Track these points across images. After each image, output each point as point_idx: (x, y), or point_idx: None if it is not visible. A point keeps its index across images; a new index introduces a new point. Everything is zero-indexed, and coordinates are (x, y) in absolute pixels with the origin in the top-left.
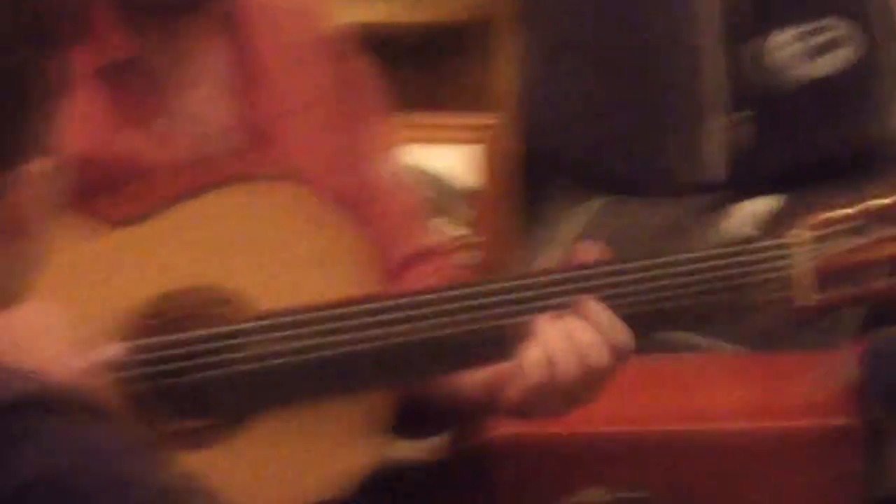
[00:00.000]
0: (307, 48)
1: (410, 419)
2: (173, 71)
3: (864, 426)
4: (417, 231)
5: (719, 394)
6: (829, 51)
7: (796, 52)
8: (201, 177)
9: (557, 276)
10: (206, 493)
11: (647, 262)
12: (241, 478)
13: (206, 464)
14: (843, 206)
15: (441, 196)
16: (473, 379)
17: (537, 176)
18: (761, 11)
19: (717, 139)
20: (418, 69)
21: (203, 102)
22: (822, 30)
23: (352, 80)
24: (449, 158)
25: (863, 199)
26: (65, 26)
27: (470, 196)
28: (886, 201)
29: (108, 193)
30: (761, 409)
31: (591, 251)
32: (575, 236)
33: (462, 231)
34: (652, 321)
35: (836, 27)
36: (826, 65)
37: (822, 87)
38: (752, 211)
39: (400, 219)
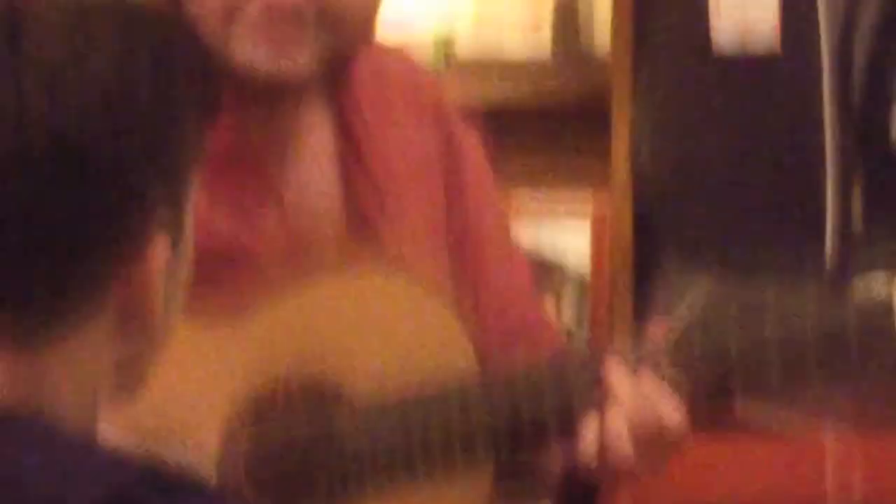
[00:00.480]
0: (408, 119)
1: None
2: (276, 155)
3: None
4: (527, 304)
5: (831, 476)
6: None
7: None
8: (303, 267)
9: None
10: None
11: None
12: None
13: None
14: None
15: (552, 275)
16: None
17: (649, 257)
18: (880, 84)
19: (837, 223)
20: (536, 148)
21: (309, 183)
22: None
23: (455, 149)
24: (563, 237)
25: None
26: (219, 98)
27: (580, 276)
28: None
29: (214, 282)
30: (876, 492)
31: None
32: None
33: (571, 313)
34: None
35: None
36: None
37: None
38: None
39: (510, 289)
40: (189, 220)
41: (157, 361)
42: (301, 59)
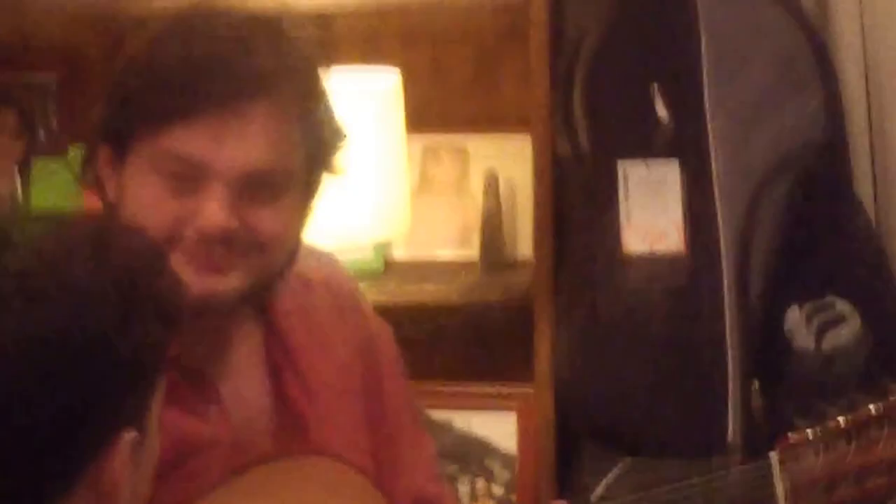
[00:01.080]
0: (331, 323)
1: None
2: (215, 364)
3: None
4: (435, 479)
5: None
6: (833, 329)
7: (806, 330)
8: (245, 457)
9: None
10: None
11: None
12: None
13: None
14: (807, 429)
15: (483, 458)
16: None
17: (569, 442)
18: (776, 290)
19: (737, 407)
20: (465, 345)
21: (244, 387)
22: (827, 306)
23: (372, 346)
24: (490, 424)
25: (823, 421)
26: (182, 317)
27: (508, 459)
28: (842, 422)
29: (170, 473)
30: None
31: None
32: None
33: (500, 491)
34: None
35: (838, 305)
36: (829, 343)
37: (824, 363)
38: None
39: (420, 468)
40: (153, 418)
41: None
42: (232, 281)
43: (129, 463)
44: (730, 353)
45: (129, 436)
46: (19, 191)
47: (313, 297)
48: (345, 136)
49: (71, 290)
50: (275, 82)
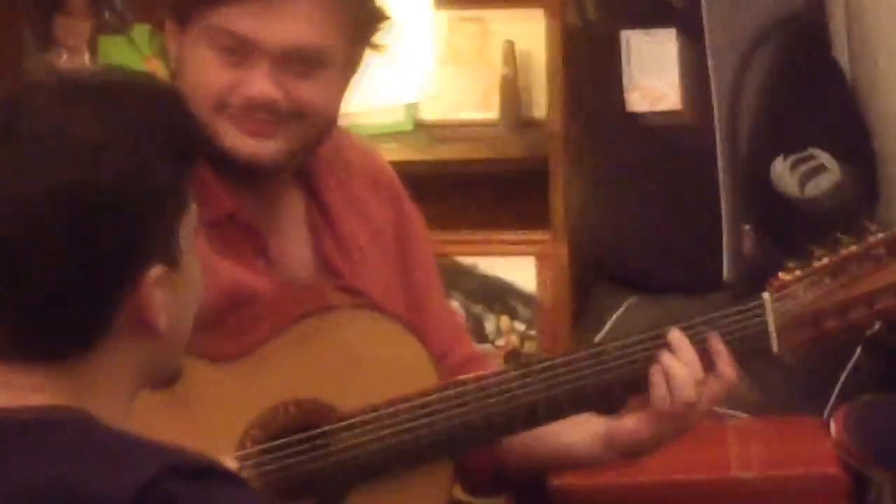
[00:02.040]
0: (367, 195)
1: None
2: (263, 220)
3: (848, 474)
4: (465, 343)
5: (734, 450)
6: (815, 177)
7: (790, 178)
8: (294, 308)
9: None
10: None
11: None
12: None
13: None
14: (795, 269)
15: (506, 298)
16: (588, 438)
17: (584, 281)
18: (763, 144)
19: (731, 249)
20: (487, 196)
21: (288, 243)
22: (810, 158)
23: (404, 221)
24: (512, 268)
25: (810, 261)
26: (198, 152)
27: (529, 298)
28: (826, 261)
29: (221, 326)
30: (768, 461)
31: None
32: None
33: (522, 327)
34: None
35: (819, 156)
36: (812, 189)
37: (807, 204)
38: None
39: (451, 333)
40: (187, 255)
41: (179, 363)
42: (274, 146)
43: (161, 295)
44: (723, 198)
45: (156, 270)
46: (88, 65)
47: (351, 170)
48: (386, 17)
49: (79, 140)
50: None
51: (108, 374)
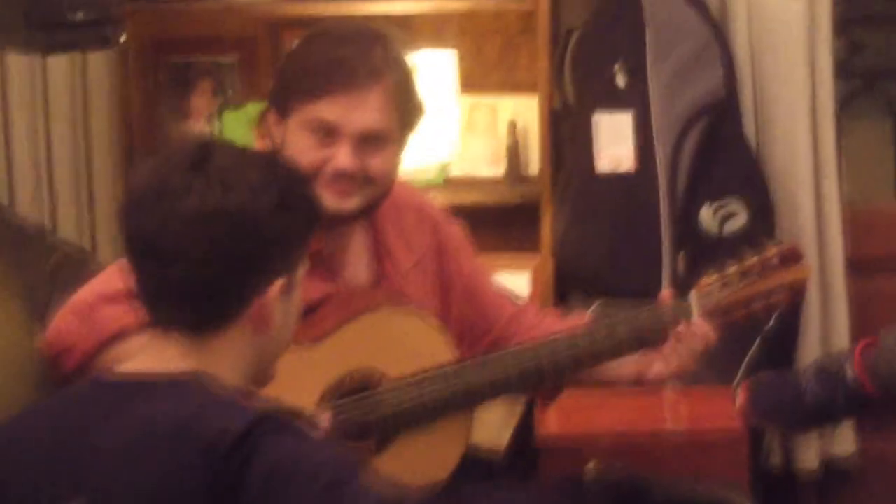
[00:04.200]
0: (415, 226)
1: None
2: (338, 253)
3: (748, 430)
4: (510, 303)
5: (668, 410)
6: (730, 219)
7: (714, 219)
8: (358, 305)
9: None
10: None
11: (617, 319)
12: (396, 471)
13: (377, 465)
14: (713, 275)
15: None
16: (626, 370)
17: (564, 290)
18: (693, 195)
19: (670, 269)
20: (497, 228)
21: (356, 269)
22: (726, 205)
23: (442, 240)
24: (513, 280)
25: (724, 270)
26: (318, 216)
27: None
28: (734, 269)
29: (308, 319)
30: (691, 419)
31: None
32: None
33: None
34: (616, 356)
35: (733, 204)
36: (728, 228)
37: (725, 240)
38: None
39: (500, 300)
40: (299, 276)
41: (275, 367)
42: (353, 203)
43: (279, 303)
44: (664, 234)
45: (279, 282)
46: (215, 132)
47: (402, 211)
48: (424, 110)
49: (250, 184)
50: (383, 74)
51: (230, 352)
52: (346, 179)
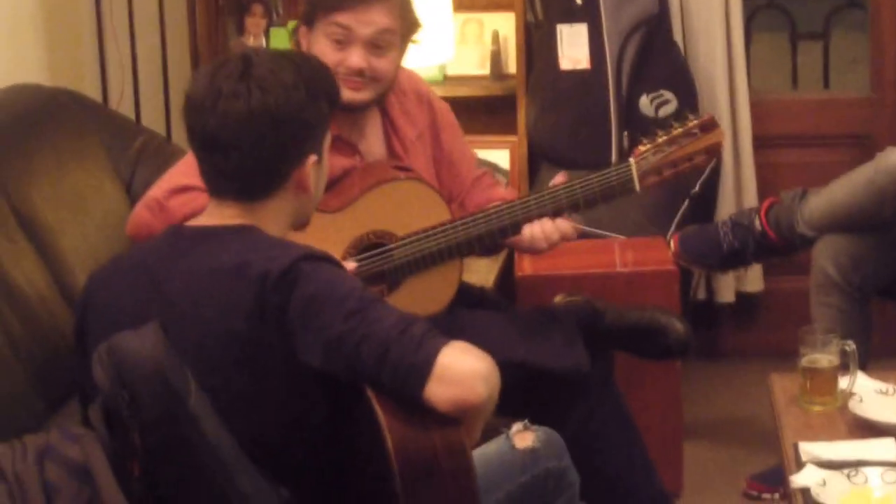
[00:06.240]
0: (415, 106)
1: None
2: (355, 134)
3: (679, 270)
4: (475, 170)
5: (617, 255)
6: (663, 106)
7: (651, 106)
8: (373, 179)
9: (544, 193)
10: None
11: (576, 181)
12: (404, 307)
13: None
14: (647, 143)
15: (494, 172)
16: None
17: (534, 164)
18: (634, 87)
19: (617, 145)
20: (484, 118)
21: (371, 145)
22: (660, 95)
23: (435, 116)
24: (496, 156)
25: (655, 139)
26: (338, 100)
27: (505, 172)
28: (663, 137)
29: (333, 189)
30: (635, 262)
31: (559, 179)
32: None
33: (502, 189)
34: (574, 211)
35: (666, 94)
36: (661, 113)
37: (660, 121)
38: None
39: (469, 166)
40: (325, 148)
41: (311, 215)
42: (363, 95)
43: (313, 174)
44: (612, 117)
45: (313, 157)
46: (265, 45)
47: (406, 95)
48: (421, 25)
49: (283, 84)
50: None
51: (276, 212)
52: (357, 76)
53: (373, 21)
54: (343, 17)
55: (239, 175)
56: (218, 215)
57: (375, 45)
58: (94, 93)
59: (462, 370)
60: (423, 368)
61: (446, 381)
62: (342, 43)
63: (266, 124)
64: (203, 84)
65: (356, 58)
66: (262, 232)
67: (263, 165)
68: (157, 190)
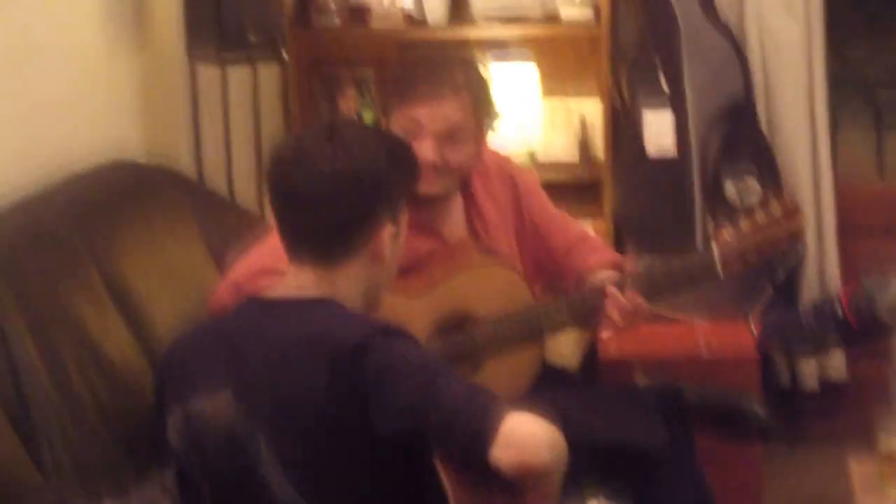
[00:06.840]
0: (498, 185)
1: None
2: (438, 219)
3: (760, 355)
4: (573, 232)
5: (700, 339)
6: (747, 191)
7: (735, 194)
8: (455, 263)
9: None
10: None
11: (657, 267)
12: (489, 386)
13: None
14: (732, 228)
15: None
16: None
17: (619, 247)
18: (719, 174)
19: (701, 231)
20: (573, 199)
21: (454, 229)
22: (744, 181)
23: (518, 191)
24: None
25: (738, 225)
26: (418, 176)
27: None
28: (746, 224)
29: (413, 273)
30: (718, 346)
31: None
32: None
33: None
34: (657, 295)
35: (749, 181)
36: (745, 201)
37: (744, 206)
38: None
39: (561, 231)
40: (403, 222)
41: (381, 295)
42: (437, 188)
43: (388, 244)
44: (696, 203)
45: (390, 227)
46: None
47: (489, 175)
48: (498, 115)
49: (366, 151)
50: (460, 87)
51: (351, 279)
52: (430, 169)
53: (444, 116)
54: (414, 111)
55: (317, 235)
56: (295, 285)
57: (449, 137)
58: (188, 169)
59: (526, 435)
60: (488, 433)
61: (511, 445)
62: (415, 134)
63: (347, 184)
64: (290, 146)
65: (428, 151)
66: (341, 305)
67: (342, 226)
68: (238, 272)
